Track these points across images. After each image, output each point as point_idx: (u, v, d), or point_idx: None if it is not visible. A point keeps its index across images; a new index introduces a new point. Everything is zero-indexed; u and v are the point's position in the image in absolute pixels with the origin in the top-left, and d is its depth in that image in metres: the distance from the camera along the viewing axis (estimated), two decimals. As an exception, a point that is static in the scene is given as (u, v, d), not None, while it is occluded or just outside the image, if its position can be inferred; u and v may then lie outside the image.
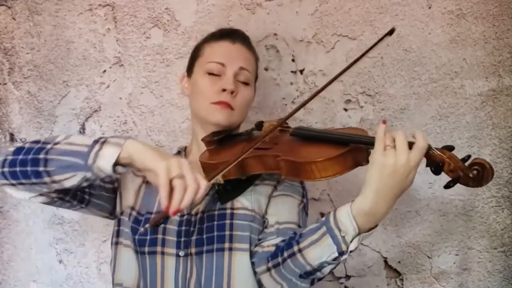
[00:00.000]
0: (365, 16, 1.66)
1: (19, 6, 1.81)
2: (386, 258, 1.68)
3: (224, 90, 1.27)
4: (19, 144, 1.15)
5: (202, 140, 1.31)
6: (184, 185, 0.98)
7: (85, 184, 1.11)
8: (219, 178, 1.18)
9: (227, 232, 1.18)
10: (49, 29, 1.79)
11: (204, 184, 1.00)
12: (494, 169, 1.53)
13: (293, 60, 1.70)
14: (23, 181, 1.10)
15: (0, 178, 1.12)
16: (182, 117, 1.74)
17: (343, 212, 1.06)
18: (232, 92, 1.27)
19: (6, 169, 1.10)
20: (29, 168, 1.08)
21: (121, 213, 1.28)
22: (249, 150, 1.12)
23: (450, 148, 1.04)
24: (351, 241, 1.06)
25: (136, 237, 1.22)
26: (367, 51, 1.26)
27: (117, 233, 1.28)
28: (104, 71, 1.77)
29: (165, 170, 0.99)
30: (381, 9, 1.65)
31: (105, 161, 1.05)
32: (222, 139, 1.29)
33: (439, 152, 1.03)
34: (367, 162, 1.08)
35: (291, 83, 1.70)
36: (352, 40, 1.67)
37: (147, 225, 0.97)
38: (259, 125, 1.30)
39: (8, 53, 1.83)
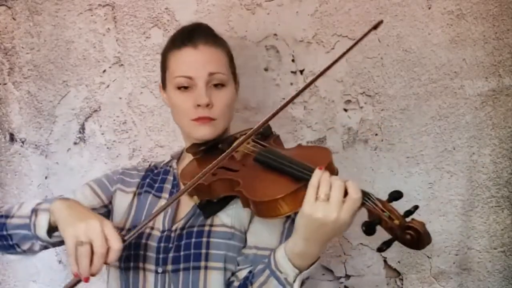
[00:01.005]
0: (365, 16, 1.66)
1: (19, 6, 1.81)
2: (385, 258, 1.69)
3: (199, 105, 1.22)
4: None
5: (187, 151, 1.29)
6: (89, 251, 0.97)
7: (50, 247, 1.17)
8: (194, 198, 1.17)
9: (203, 251, 1.16)
10: (49, 29, 1.79)
11: (117, 245, 0.98)
12: (494, 169, 1.53)
13: (293, 61, 1.70)
14: (10, 251, 1.20)
15: None
16: (182, 117, 1.73)
17: (279, 255, 1.04)
18: (208, 105, 1.21)
19: None
20: (4, 243, 1.18)
21: None
22: (195, 183, 1.06)
23: (396, 196, 0.97)
24: (294, 281, 1.04)
25: (125, 264, 1.21)
26: (353, 45, 1.20)
27: None
28: (104, 71, 1.77)
29: (71, 237, 0.98)
30: (381, 9, 1.65)
31: (41, 230, 1.10)
32: (207, 147, 1.26)
33: (378, 207, 0.95)
34: None
35: (291, 84, 1.70)
36: (352, 40, 1.67)
37: None
38: (233, 139, 1.25)
39: (8, 53, 1.82)
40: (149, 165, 1.40)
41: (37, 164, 1.82)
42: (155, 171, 1.36)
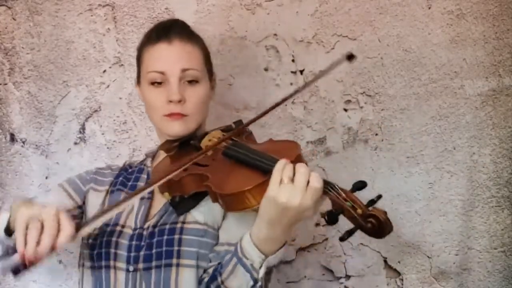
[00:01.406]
0: (365, 16, 1.66)
1: (19, 6, 1.81)
2: (386, 258, 1.69)
3: (171, 101, 1.21)
4: None
5: (160, 148, 1.28)
6: (39, 228, 0.93)
7: (11, 251, 1.09)
8: (165, 194, 1.16)
9: (175, 248, 1.15)
10: (49, 29, 1.79)
11: (69, 230, 0.95)
12: (494, 169, 1.53)
13: (293, 61, 1.70)
14: None
15: None
16: (182, 117, 1.73)
17: (245, 241, 1.04)
18: (179, 101, 1.21)
19: None
20: None
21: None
22: (171, 174, 1.07)
23: (359, 186, 0.98)
24: (260, 267, 1.04)
25: (91, 252, 1.21)
26: (320, 76, 1.23)
27: (82, 256, 1.26)
28: (104, 71, 1.77)
29: (21, 215, 0.96)
30: (381, 9, 1.65)
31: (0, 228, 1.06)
32: (181, 143, 1.26)
33: (341, 196, 0.95)
34: None
35: (291, 84, 1.70)
36: (352, 40, 1.67)
37: (12, 275, 0.94)
38: (203, 136, 1.25)
39: (9, 53, 1.83)
40: (124, 164, 1.39)
41: (38, 164, 1.82)
42: (129, 170, 1.35)
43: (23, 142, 1.83)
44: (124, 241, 1.19)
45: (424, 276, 1.67)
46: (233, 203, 1.03)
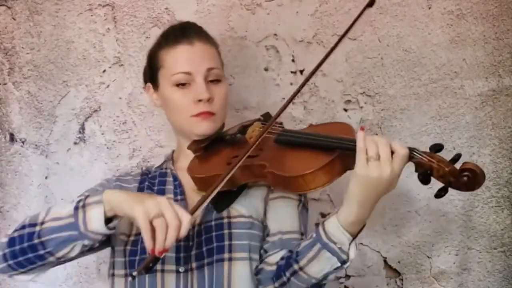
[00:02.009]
0: (365, 16, 1.65)
1: (19, 6, 1.80)
2: (386, 258, 1.69)
3: (200, 100, 1.23)
4: (7, 236, 1.16)
5: (188, 148, 1.29)
6: (165, 223, 0.98)
7: (86, 249, 1.12)
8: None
9: (226, 242, 1.16)
10: (49, 29, 1.79)
11: (186, 218, 0.99)
12: (494, 169, 1.54)
13: (293, 61, 1.70)
14: (31, 266, 1.13)
15: (10, 271, 1.15)
16: (182, 117, 1.73)
17: (332, 226, 1.06)
18: (209, 99, 1.23)
19: (11, 262, 1.13)
20: (31, 255, 1.10)
21: (115, 242, 1.25)
22: (236, 166, 1.08)
23: (438, 148, 1.01)
24: (348, 249, 1.06)
25: (131, 259, 1.20)
26: (347, 31, 1.25)
27: (112, 265, 1.25)
28: (104, 71, 1.77)
29: (142, 213, 0.99)
30: (381, 9, 1.65)
31: (96, 224, 1.06)
32: (209, 143, 1.27)
33: (426, 157, 0.99)
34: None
35: (291, 84, 1.70)
36: (352, 40, 1.67)
37: (135, 272, 0.98)
38: (243, 130, 1.26)
39: (8, 53, 1.82)
40: (142, 170, 1.40)
41: (37, 164, 1.82)
42: (150, 175, 1.35)
43: (23, 142, 1.83)
44: None
45: (424, 276, 1.67)
46: (305, 183, 1.05)
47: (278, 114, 1.12)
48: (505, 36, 1.63)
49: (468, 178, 0.96)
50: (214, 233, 1.17)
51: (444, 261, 1.67)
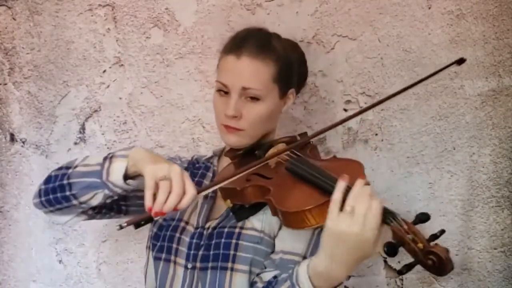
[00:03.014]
0: (365, 16, 1.66)
1: (19, 6, 1.81)
2: (386, 258, 1.69)
3: (226, 115, 1.23)
4: (49, 174, 1.23)
5: (225, 155, 1.31)
6: (169, 187, 1.00)
7: (109, 200, 1.17)
8: (227, 201, 1.19)
9: (232, 252, 1.17)
10: (49, 29, 1.79)
11: (191, 191, 1.01)
12: (494, 169, 1.53)
13: (293, 60, 1.69)
14: (58, 206, 1.20)
15: (42, 207, 1.23)
16: (182, 117, 1.74)
17: (301, 270, 1.05)
18: (235, 117, 1.22)
19: (42, 199, 1.21)
20: (59, 195, 1.18)
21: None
22: (229, 180, 1.09)
23: (422, 219, 0.96)
24: None
25: (154, 242, 1.25)
26: (433, 74, 1.26)
27: (148, 238, 1.30)
28: (104, 71, 1.77)
29: (151, 172, 1.02)
30: (381, 9, 1.65)
31: (116, 175, 1.11)
32: (245, 152, 1.28)
33: (402, 227, 0.94)
34: None
35: (291, 83, 1.69)
36: (352, 40, 1.67)
37: (124, 223, 0.97)
38: (270, 145, 1.26)
39: (9, 53, 1.83)
40: (192, 158, 1.42)
41: (38, 164, 1.82)
42: (196, 165, 1.38)
43: (23, 142, 1.83)
44: (186, 238, 1.23)
45: (424, 276, 1.67)
46: (292, 220, 1.04)
47: (299, 142, 1.15)
48: (505, 36, 1.63)
49: (432, 262, 0.92)
50: (223, 240, 1.19)
51: (444, 261, 1.66)
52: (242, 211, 1.20)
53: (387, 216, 0.96)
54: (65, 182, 1.17)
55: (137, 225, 0.99)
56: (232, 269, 1.17)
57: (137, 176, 1.11)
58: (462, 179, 1.65)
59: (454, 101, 1.65)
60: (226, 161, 1.33)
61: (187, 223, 1.25)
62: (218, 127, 1.28)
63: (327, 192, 1.01)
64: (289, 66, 1.28)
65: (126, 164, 1.10)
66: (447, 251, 0.93)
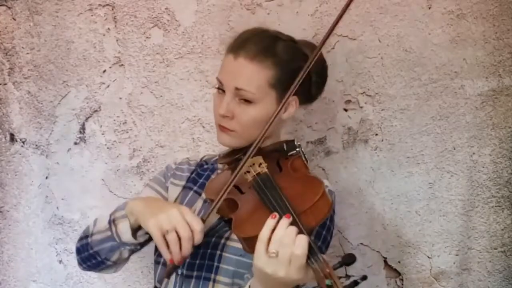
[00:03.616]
0: (365, 16, 1.66)
1: (19, 6, 1.81)
2: (386, 258, 1.69)
3: (219, 114, 1.22)
4: (76, 246, 1.29)
5: (218, 162, 1.31)
6: (177, 237, 1.05)
7: (138, 249, 1.24)
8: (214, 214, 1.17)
9: (215, 263, 1.17)
10: (49, 29, 1.79)
11: (198, 227, 1.06)
12: (494, 169, 1.53)
13: (293, 60, 1.69)
14: (102, 266, 1.27)
15: (89, 270, 1.32)
16: (182, 117, 1.74)
17: None
18: (226, 116, 1.20)
19: (85, 266, 1.29)
20: (94, 261, 1.25)
21: None
22: (216, 203, 1.09)
23: (347, 262, 0.94)
24: None
25: (157, 258, 1.27)
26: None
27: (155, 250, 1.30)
28: (104, 71, 1.77)
29: (156, 229, 1.06)
30: (381, 9, 1.65)
31: (126, 236, 1.17)
32: (235, 159, 1.24)
33: (321, 271, 0.92)
34: None
35: (291, 83, 1.69)
36: (352, 40, 1.67)
37: (157, 283, 1.16)
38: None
39: (8, 53, 1.83)
40: (201, 159, 1.41)
41: (38, 164, 1.82)
42: (204, 166, 1.37)
43: (23, 142, 1.83)
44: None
45: (424, 276, 1.67)
46: (243, 244, 1.03)
47: (251, 152, 1.12)
48: (505, 36, 1.63)
49: None
50: (209, 250, 1.18)
51: (444, 261, 1.67)
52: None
53: (311, 257, 0.94)
54: (91, 251, 1.23)
55: (169, 275, 1.11)
56: (214, 281, 1.17)
57: (141, 228, 1.16)
58: (462, 179, 1.65)
59: (454, 101, 1.65)
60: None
61: None
62: (215, 126, 1.27)
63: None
64: (293, 73, 1.20)
65: (128, 223, 1.16)
66: None
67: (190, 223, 1.05)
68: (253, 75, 1.19)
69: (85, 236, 1.25)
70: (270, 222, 0.97)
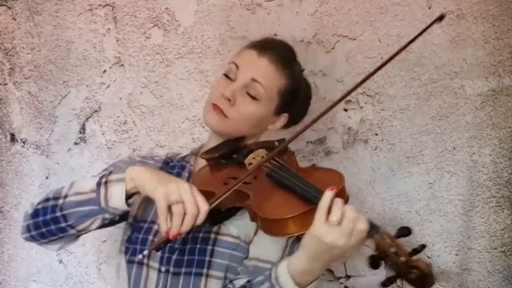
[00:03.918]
0: (365, 16, 1.66)
1: (20, 7, 1.81)
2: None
3: (222, 95, 1.22)
4: (32, 207, 1.19)
5: (201, 157, 1.29)
6: (183, 210, 1.01)
7: (107, 222, 1.16)
8: None
9: (207, 258, 1.17)
10: (49, 29, 1.79)
11: (204, 208, 1.03)
12: (494, 169, 1.53)
13: (293, 60, 1.69)
14: (53, 238, 1.18)
15: (33, 241, 1.20)
16: (182, 117, 1.74)
17: (281, 271, 1.05)
18: (229, 100, 1.21)
19: (33, 233, 1.18)
20: (53, 227, 1.16)
21: (127, 222, 1.28)
22: (227, 192, 1.09)
23: (404, 233, 0.99)
24: None
25: (127, 246, 1.23)
26: (413, 40, 1.22)
27: (121, 242, 1.28)
28: (104, 71, 1.77)
29: (163, 197, 1.02)
30: (381, 9, 1.65)
31: (116, 201, 1.10)
32: (222, 155, 1.26)
33: (386, 242, 0.96)
34: None
35: (291, 83, 1.70)
36: (352, 40, 1.67)
37: (145, 252, 1.01)
38: (248, 153, 1.24)
39: (9, 53, 1.83)
40: (166, 156, 1.39)
41: (38, 164, 1.82)
42: (170, 164, 1.35)
43: (24, 142, 1.83)
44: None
45: (424, 276, 1.67)
46: (273, 227, 1.04)
47: (279, 148, 1.15)
48: (505, 36, 1.63)
49: (416, 276, 0.94)
50: (198, 246, 1.17)
51: (444, 261, 1.66)
52: (217, 215, 1.17)
53: (371, 230, 0.99)
54: (58, 214, 1.14)
55: (158, 249, 1.04)
56: (207, 275, 1.16)
57: (135, 193, 1.11)
58: (462, 179, 1.65)
59: (454, 101, 1.65)
60: (202, 162, 1.30)
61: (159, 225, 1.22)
62: (204, 106, 1.27)
63: (309, 201, 1.03)
64: (297, 91, 1.30)
65: (124, 187, 1.10)
66: (428, 265, 0.95)
67: (198, 202, 1.02)
68: (271, 76, 1.24)
69: (55, 197, 1.16)
70: (328, 193, 1.00)
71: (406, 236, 0.98)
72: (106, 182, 1.11)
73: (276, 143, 1.29)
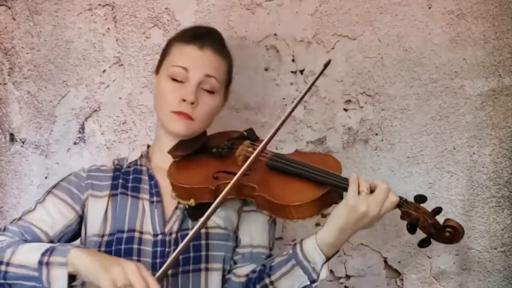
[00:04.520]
0: (365, 16, 1.66)
1: (19, 6, 1.80)
2: (386, 258, 1.69)
3: (184, 100, 1.22)
4: None
5: (169, 153, 1.26)
6: None
7: None
8: (191, 201, 1.17)
9: (203, 253, 1.17)
10: (49, 29, 1.79)
11: (154, 283, 0.98)
12: (494, 169, 1.54)
13: (293, 60, 1.69)
14: None
15: None
16: (182, 117, 1.73)
17: (309, 245, 1.09)
18: (192, 103, 1.23)
19: None
20: None
21: (85, 244, 1.22)
22: (228, 187, 1.08)
23: (422, 199, 1.09)
24: (320, 269, 1.09)
25: None
26: (309, 87, 1.25)
27: None
28: (104, 71, 1.77)
29: (109, 283, 0.98)
30: (381, 9, 1.65)
31: (59, 285, 1.04)
32: (196, 151, 1.26)
33: (413, 208, 1.07)
34: (341, 199, 1.10)
35: (291, 83, 1.70)
36: (352, 40, 1.67)
37: None
38: (231, 145, 1.25)
39: (8, 53, 1.82)
40: (113, 164, 1.35)
41: (37, 164, 1.82)
42: (123, 170, 1.31)
43: (23, 142, 1.83)
44: (148, 248, 1.18)
45: (424, 276, 1.67)
46: (295, 213, 1.08)
47: (272, 137, 1.14)
48: (505, 36, 1.63)
49: (450, 234, 1.06)
50: (191, 243, 1.15)
51: (444, 261, 1.67)
52: (198, 210, 1.16)
53: (401, 201, 1.08)
54: (2, 281, 1.08)
55: None
56: (207, 269, 1.17)
57: (78, 276, 1.06)
58: (462, 179, 1.65)
59: (454, 101, 1.65)
60: (160, 158, 1.29)
61: (141, 232, 1.19)
62: (163, 116, 1.26)
63: (320, 183, 1.09)
64: (232, 70, 1.36)
65: (66, 272, 1.04)
66: (458, 223, 1.07)
67: (147, 280, 0.98)
68: (219, 65, 1.29)
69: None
70: (354, 174, 1.08)
71: (424, 202, 1.09)
72: (47, 263, 1.05)
73: (245, 133, 1.32)
